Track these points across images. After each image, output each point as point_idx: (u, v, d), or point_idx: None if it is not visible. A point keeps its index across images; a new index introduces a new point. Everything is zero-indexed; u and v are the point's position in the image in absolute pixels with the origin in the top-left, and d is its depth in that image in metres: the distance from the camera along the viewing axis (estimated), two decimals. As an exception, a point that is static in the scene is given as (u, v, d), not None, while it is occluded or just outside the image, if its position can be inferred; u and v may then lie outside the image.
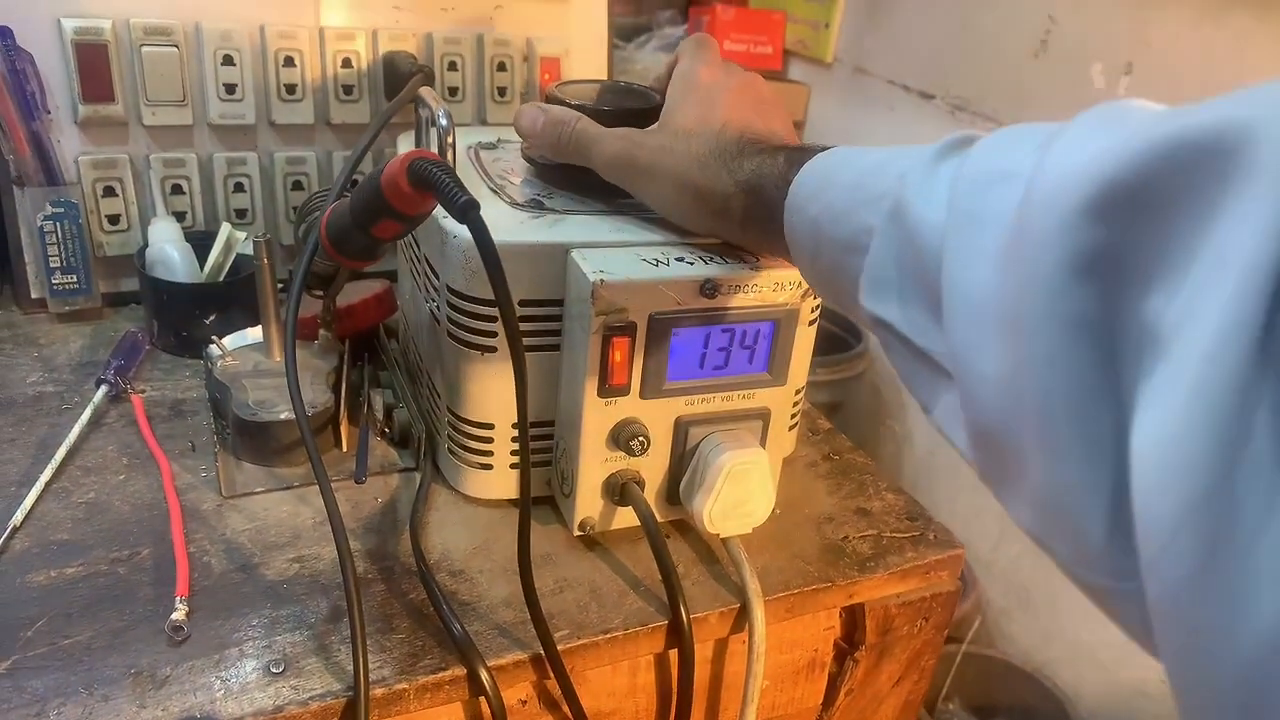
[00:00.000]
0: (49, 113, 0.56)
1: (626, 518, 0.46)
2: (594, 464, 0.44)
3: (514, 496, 0.48)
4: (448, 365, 0.46)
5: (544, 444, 0.47)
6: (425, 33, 0.65)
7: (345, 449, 0.51)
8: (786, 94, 1.51)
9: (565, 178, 0.48)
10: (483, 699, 0.39)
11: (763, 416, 0.45)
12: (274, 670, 0.37)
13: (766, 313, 0.43)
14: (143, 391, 0.53)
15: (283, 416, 0.48)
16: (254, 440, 0.48)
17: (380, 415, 0.52)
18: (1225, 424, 0.18)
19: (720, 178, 0.39)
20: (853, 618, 0.49)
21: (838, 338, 1.40)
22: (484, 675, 0.38)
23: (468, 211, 0.32)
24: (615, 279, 0.40)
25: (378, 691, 0.37)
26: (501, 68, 0.68)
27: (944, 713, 1.19)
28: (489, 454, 0.46)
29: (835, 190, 0.34)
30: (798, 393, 0.50)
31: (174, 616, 0.38)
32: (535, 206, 0.46)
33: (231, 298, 0.57)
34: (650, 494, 0.45)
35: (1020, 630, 1.24)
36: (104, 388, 0.52)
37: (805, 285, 0.43)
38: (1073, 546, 0.24)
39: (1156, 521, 0.20)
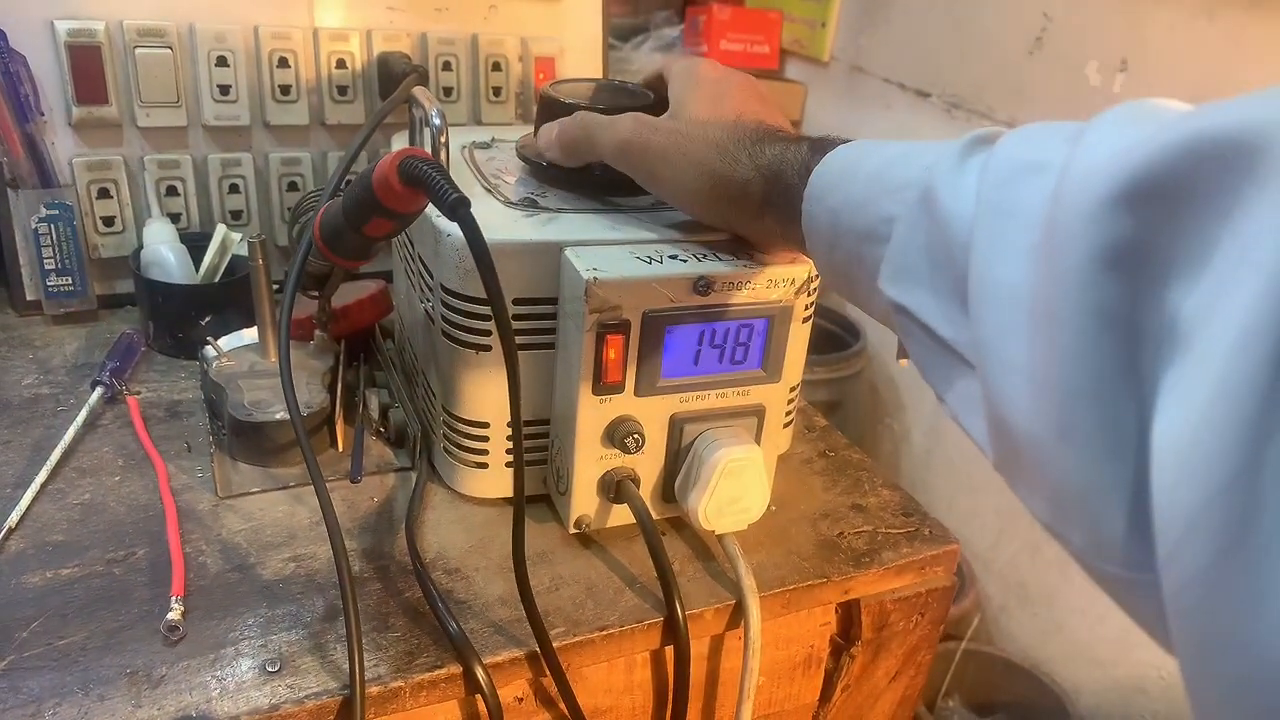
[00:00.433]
0: (43, 115, 0.56)
1: (622, 515, 0.46)
2: (589, 462, 0.44)
3: (509, 494, 0.47)
4: (443, 364, 0.46)
5: (539, 442, 0.47)
6: (420, 33, 0.65)
7: (341, 449, 0.51)
8: (783, 93, 1.51)
9: (559, 176, 0.48)
10: (479, 696, 0.39)
11: (757, 413, 0.46)
12: (270, 669, 0.37)
13: (760, 309, 0.43)
14: (138, 393, 0.54)
15: (278, 417, 0.48)
16: (250, 441, 0.48)
17: (376, 415, 0.52)
18: (1248, 419, 0.18)
19: (740, 162, 0.40)
20: (848, 613, 0.49)
21: (836, 336, 1.40)
22: (480, 673, 0.38)
23: (457, 209, 0.32)
24: (609, 277, 0.40)
25: (374, 690, 0.37)
26: (496, 68, 0.68)
27: (944, 710, 1.20)
28: (484, 453, 0.46)
29: (856, 181, 0.35)
30: (792, 389, 0.50)
31: (169, 616, 0.38)
32: (529, 205, 0.46)
33: (227, 299, 0.57)
34: (645, 491, 0.45)
35: (1019, 627, 1.24)
36: (99, 389, 0.52)
37: (799, 282, 0.44)
38: (1089, 537, 0.24)
39: (1175, 514, 0.20)
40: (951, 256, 0.29)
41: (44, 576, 0.40)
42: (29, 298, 0.59)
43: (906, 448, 1.40)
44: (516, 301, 0.43)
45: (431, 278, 0.45)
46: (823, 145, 0.37)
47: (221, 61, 0.60)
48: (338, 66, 0.63)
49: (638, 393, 0.43)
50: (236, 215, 0.64)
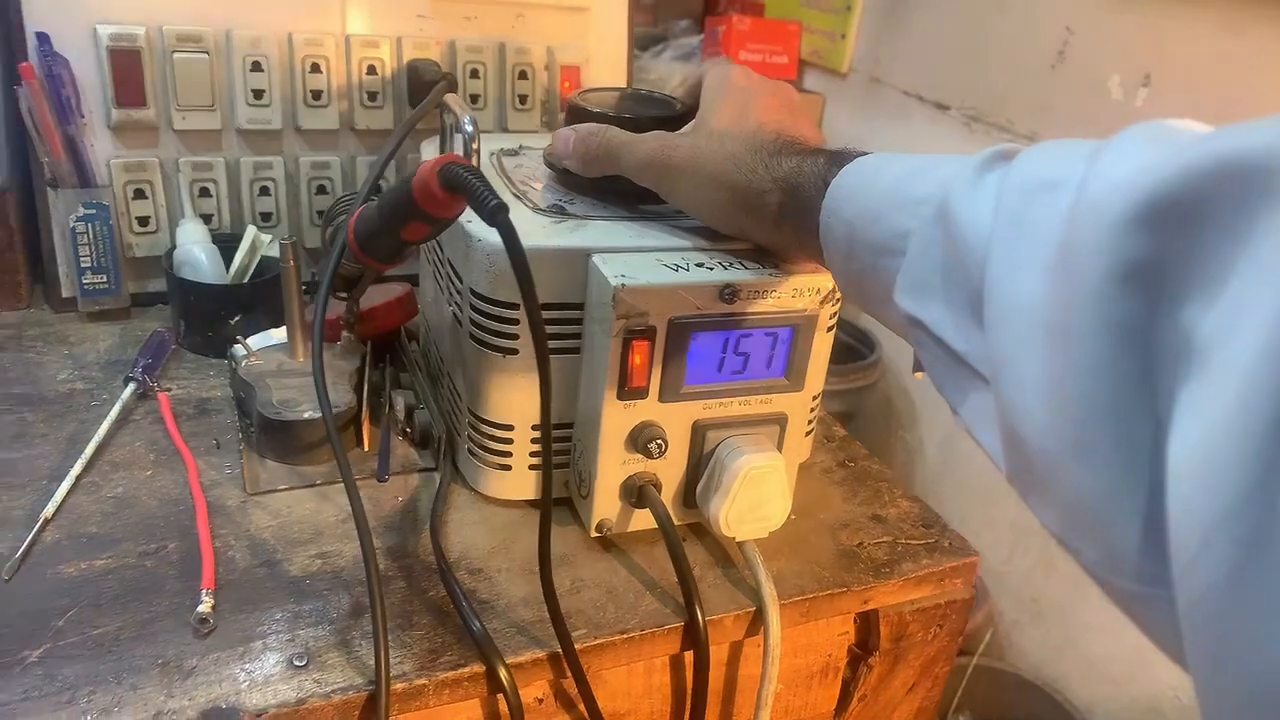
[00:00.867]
0: (83, 117, 0.58)
1: (643, 520, 0.46)
2: (612, 466, 0.44)
3: (532, 497, 0.48)
4: (469, 367, 0.46)
5: (562, 446, 0.47)
6: (449, 40, 0.66)
7: (366, 448, 0.51)
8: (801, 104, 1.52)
9: (587, 184, 0.49)
10: (501, 696, 0.39)
11: (780, 421, 0.46)
12: (297, 663, 0.38)
13: (785, 318, 0.44)
14: (169, 390, 0.54)
15: (306, 415, 0.48)
16: (278, 438, 0.49)
17: (401, 416, 0.53)
18: (1265, 434, 0.18)
19: (757, 174, 0.40)
20: (867, 623, 0.49)
21: (851, 347, 1.41)
22: (502, 673, 0.39)
23: (497, 214, 0.32)
24: (636, 283, 0.41)
25: (398, 686, 0.38)
26: (523, 76, 0.69)
27: (955, 725, 1.19)
28: (508, 455, 0.47)
29: (873, 194, 0.35)
30: (814, 398, 0.51)
31: (200, 609, 0.39)
32: (557, 212, 0.47)
33: (256, 299, 0.58)
34: (667, 497, 0.46)
35: (1032, 643, 1.23)
36: (132, 386, 0.53)
37: (823, 292, 0.44)
38: (1102, 550, 0.24)
39: (1191, 527, 0.20)
40: (967, 271, 0.30)
41: (79, 567, 0.41)
42: (65, 295, 0.61)
43: (920, 460, 1.39)
44: (543, 306, 0.43)
45: (461, 281, 0.46)
46: (840, 158, 0.38)
47: (256, 67, 0.61)
48: (368, 73, 0.64)
49: (662, 398, 0.43)
50: (266, 217, 0.65)
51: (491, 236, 0.41)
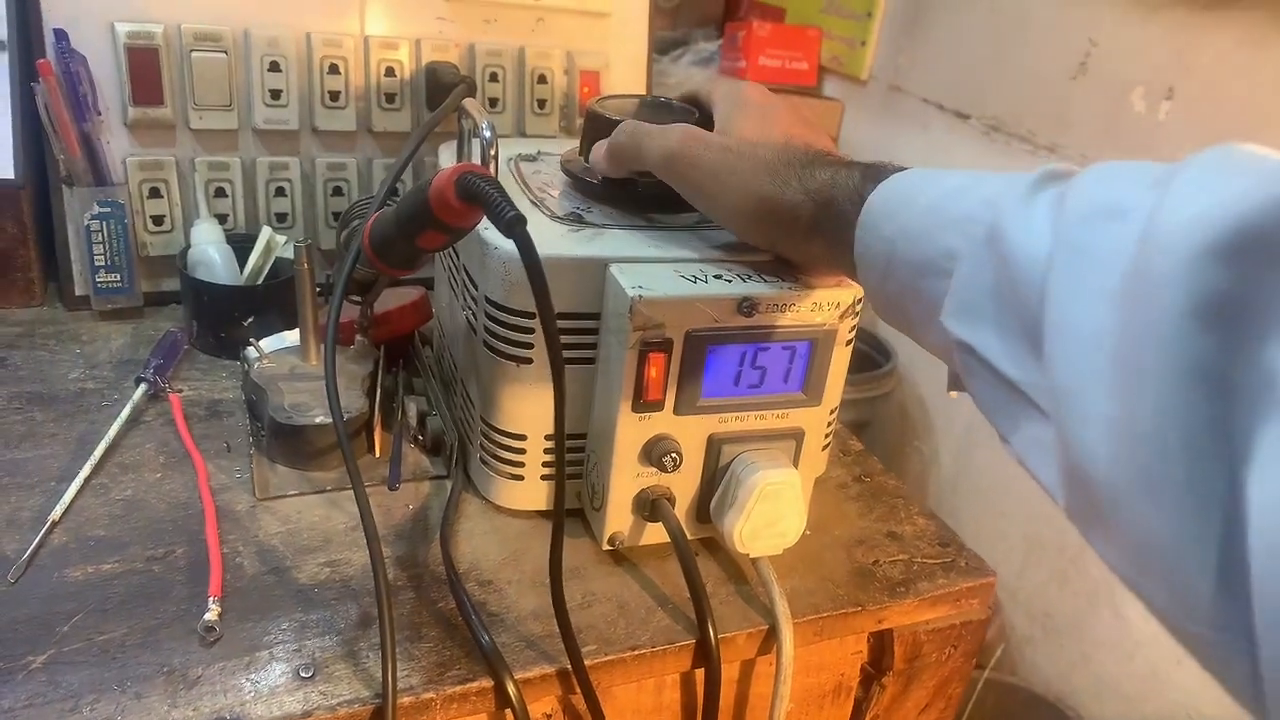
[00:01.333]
0: (99, 114, 0.57)
1: (656, 534, 0.45)
2: (625, 479, 0.44)
3: (544, 508, 0.48)
4: (483, 375, 0.46)
5: (575, 456, 0.47)
6: (468, 44, 0.66)
7: (378, 454, 0.51)
8: (820, 110, 1.51)
9: (604, 192, 0.48)
10: (509, 711, 0.39)
11: (796, 436, 0.45)
12: (303, 675, 0.37)
13: (804, 332, 0.43)
14: (181, 391, 0.54)
15: (318, 421, 0.48)
16: (289, 443, 0.49)
17: (413, 422, 0.52)
18: None
19: (790, 185, 0.39)
20: (881, 643, 0.48)
21: (866, 356, 1.39)
22: (511, 688, 0.38)
23: (514, 226, 0.32)
24: (653, 295, 0.40)
25: (405, 700, 0.37)
26: (542, 80, 0.68)
27: (963, 740, 1.18)
28: (521, 465, 0.46)
29: (913, 211, 0.34)
30: (831, 413, 0.50)
31: (207, 617, 0.38)
32: (575, 220, 0.46)
33: (270, 300, 0.58)
34: (680, 511, 0.45)
35: (1043, 659, 1.21)
36: (143, 386, 0.52)
37: (843, 306, 0.43)
38: (1172, 595, 0.23)
39: (1278, 576, 0.19)
40: (1021, 296, 0.29)
41: (85, 571, 0.41)
42: (78, 293, 0.60)
43: (935, 471, 1.38)
44: (559, 316, 0.43)
45: (476, 289, 0.45)
46: (876, 172, 0.37)
47: (274, 67, 0.61)
48: (386, 75, 0.64)
49: (677, 411, 0.43)
50: (281, 218, 0.65)
51: (507, 245, 0.40)
